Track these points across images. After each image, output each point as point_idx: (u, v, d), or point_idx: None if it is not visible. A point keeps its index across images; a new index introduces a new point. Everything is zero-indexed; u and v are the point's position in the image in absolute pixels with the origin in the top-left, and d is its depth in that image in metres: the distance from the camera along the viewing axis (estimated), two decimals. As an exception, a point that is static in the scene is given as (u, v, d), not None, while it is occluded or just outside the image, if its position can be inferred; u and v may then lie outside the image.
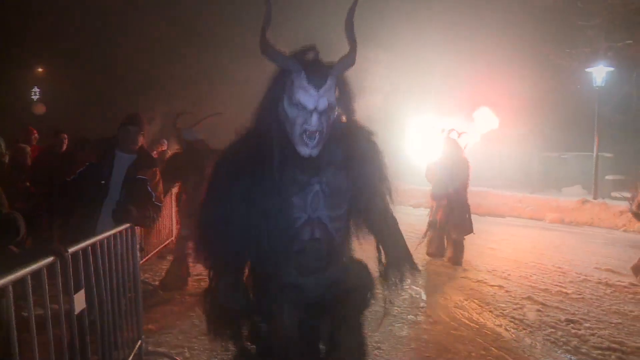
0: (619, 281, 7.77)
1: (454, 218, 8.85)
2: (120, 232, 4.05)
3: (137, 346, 4.38)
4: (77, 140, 8.49)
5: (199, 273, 8.24)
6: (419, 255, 9.67)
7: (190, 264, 8.28)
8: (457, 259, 8.72)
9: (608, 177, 21.86)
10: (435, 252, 9.19)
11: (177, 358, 4.88)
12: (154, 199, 4.64)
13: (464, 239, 8.83)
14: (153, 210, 4.60)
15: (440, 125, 9.96)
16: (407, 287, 7.49)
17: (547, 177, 24.29)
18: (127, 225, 4.22)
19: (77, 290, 3.18)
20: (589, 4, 18.47)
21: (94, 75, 29.45)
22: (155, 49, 27.19)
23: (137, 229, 4.69)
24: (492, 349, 5.17)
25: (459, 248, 8.77)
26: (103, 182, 4.41)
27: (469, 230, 8.85)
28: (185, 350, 5.15)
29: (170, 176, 6.91)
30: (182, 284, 7.40)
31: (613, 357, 5.05)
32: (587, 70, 17.85)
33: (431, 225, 9.32)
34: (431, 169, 9.30)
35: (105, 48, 27.87)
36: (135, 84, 27.38)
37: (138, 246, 4.68)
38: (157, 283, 7.45)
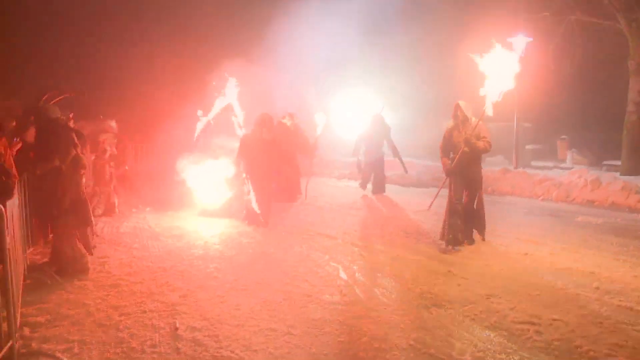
0: (538, 251, 7.73)
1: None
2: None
3: (6, 348, 3.81)
4: None
5: (103, 255, 7.67)
6: (335, 230, 9.40)
7: (92, 244, 7.69)
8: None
9: (528, 147, 22.38)
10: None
11: (61, 357, 4.33)
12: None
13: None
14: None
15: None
16: (325, 262, 7.19)
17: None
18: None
19: None
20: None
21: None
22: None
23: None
24: (410, 330, 4.90)
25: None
26: None
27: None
28: (75, 345, 4.63)
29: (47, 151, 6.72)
30: (81, 266, 6.79)
31: (531, 331, 4.90)
32: (508, 40, 17.97)
33: None
34: None
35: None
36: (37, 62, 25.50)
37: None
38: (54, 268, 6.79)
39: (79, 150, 6.97)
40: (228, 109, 9.92)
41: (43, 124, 6.93)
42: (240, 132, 9.89)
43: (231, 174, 10.96)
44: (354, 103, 14.04)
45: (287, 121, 12.63)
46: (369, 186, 13.93)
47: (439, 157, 8.48)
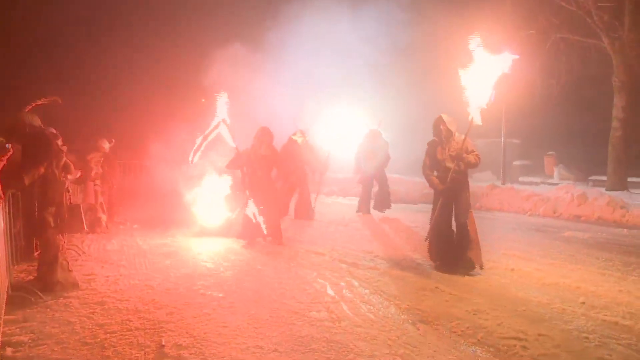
0: (525, 266, 7.76)
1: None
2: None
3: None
4: None
5: (89, 272, 7.59)
6: (321, 247, 9.37)
7: (70, 259, 7.62)
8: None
9: (516, 163, 22.57)
10: None
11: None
12: None
13: None
14: None
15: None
16: (312, 279, 7.17)
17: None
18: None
19: None
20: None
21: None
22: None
23: None
24: (397, 347, 4.89)
25: None
26: None
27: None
28: (58, 366, 4.58)
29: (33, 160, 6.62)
30: (72, 280, 6.75)
31: (518, 346, 4.90)
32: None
33: None
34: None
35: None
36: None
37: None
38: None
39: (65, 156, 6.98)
40: (220, 125, 9.85)
41: (28, 133, 6.88)
42: (233, 144, 9.83)
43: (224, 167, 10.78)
44: (346, 120, 13.91)
45: (298, 138, 12.57)
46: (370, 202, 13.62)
47: (425, 175, 7.86)
